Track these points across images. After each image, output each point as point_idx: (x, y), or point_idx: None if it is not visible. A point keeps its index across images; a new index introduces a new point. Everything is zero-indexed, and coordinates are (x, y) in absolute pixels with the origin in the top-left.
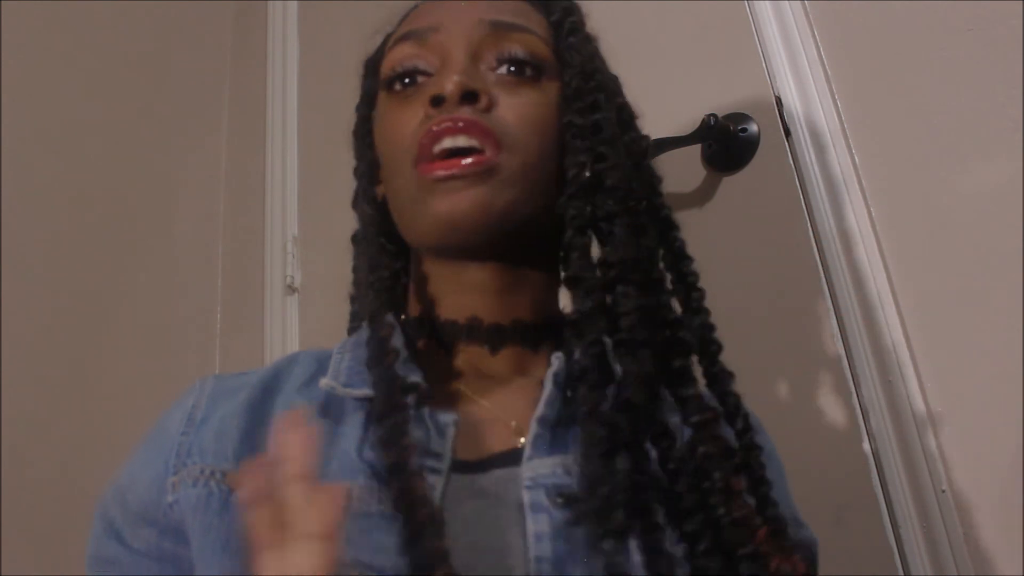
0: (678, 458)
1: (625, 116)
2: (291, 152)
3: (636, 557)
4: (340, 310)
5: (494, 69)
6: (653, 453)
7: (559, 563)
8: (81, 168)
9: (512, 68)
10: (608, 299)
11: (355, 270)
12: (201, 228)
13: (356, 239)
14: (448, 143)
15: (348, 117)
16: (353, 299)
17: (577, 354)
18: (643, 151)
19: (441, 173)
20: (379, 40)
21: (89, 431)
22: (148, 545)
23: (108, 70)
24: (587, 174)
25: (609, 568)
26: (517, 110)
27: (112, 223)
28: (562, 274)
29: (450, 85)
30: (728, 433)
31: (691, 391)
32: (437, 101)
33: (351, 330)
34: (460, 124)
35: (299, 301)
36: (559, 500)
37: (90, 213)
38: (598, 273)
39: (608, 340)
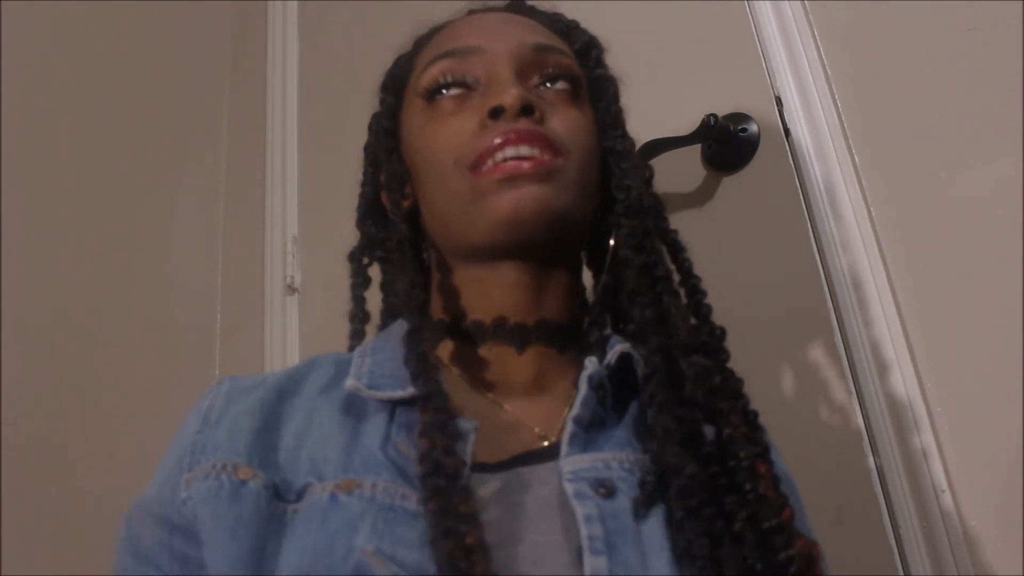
0: (709, 442)
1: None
2: (291, 152)
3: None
4: (340, 310)
5: (538, 86)
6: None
7: (611, 545)
8: (81, 168)
9: (556, 85)
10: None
11: (385, 287)
12: (201, 228)
13: (354, 256)
14: (511, 152)
15: (348, 117)
16: (353, 316)
17: (643, 357)
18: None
19: (504, 175)
20: (394, 55)
21: (89, 431)
22: (158, 546)
23: (108, 70)
24: (635, 195)
25: (693, 543)
26: (566, 123)
27: (112, 223)
28: (594, 278)
29: (509, 98)
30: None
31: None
32: (497, 113)
33: (352, 346)
34: (522, 134)
35: (299, 301)
36: (601, 490)
37: (90, 213)
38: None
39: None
